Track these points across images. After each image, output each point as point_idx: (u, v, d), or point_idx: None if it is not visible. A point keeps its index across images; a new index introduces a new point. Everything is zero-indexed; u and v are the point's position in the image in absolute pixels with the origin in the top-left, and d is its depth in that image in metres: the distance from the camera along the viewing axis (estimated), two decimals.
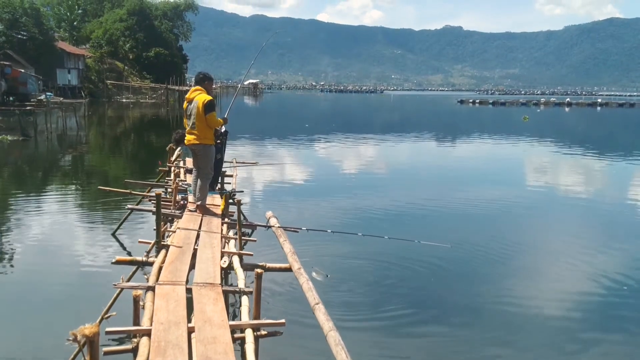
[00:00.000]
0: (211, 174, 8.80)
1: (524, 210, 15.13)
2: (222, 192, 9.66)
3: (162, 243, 6.62)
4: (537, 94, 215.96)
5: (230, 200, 8.76)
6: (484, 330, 7.47)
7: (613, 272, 9.77)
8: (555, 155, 29.39)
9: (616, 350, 7.11)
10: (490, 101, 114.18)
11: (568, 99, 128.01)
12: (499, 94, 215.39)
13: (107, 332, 4.32)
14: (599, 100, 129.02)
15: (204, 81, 8.67)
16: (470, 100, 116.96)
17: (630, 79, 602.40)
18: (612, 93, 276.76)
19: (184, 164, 12.16)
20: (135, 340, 4.40)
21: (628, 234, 12.67)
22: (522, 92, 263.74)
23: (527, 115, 63.21)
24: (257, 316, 5.04)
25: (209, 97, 8.46)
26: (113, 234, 11.07)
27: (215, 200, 9.10)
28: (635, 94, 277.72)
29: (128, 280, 6.25)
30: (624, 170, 24.06)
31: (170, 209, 8.48)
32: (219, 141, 9.03)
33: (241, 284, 5.66)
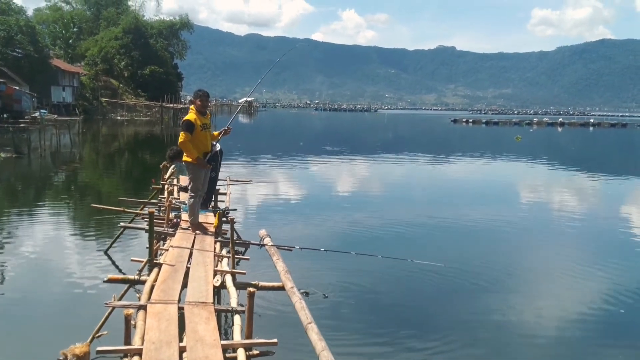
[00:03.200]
0: (198, 191, 8.67)
1: (517, 229, 15.15)
2: (215, 210, 9.64)
3: (155, 261, 6.59)
4: (530, 114, 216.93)
5: (224, 218, 8.74)
6: (479, 349, 7.44)
7: (607, 291, 9.78)
8: (548, 175, 29.51)
9: None
10: (484, 121, 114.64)
11: (561, 119, 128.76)
12: (492, 114, 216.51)
13: (98, 352, 4.29)
14: (592, 120, 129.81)
15: (195, 99, 8.70)
16: (464, 120, 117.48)
17: (622, 99, 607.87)
18: (605, 113, 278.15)
19: (178, 181, 12.15)
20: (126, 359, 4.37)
21: (621, 253, 12.67)
22: (515, 112, 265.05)
23: (520, 135, 63.42)
24: (249, 335, 5.00)
25: (187, 117, 8.49)
26: (105, 252, 11.00)
27: (208, 219, 9.07)
28: (627, 114, 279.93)
29: (120, 299, 6.22)
30: (617, 190, 24.17)
31: (163, 227, 8.45)
32: (209, 162, 8.92)
33: (234, 303, 5.64)
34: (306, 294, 8.55)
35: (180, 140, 8.40)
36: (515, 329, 8.15)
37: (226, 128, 9.33)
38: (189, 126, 8.36)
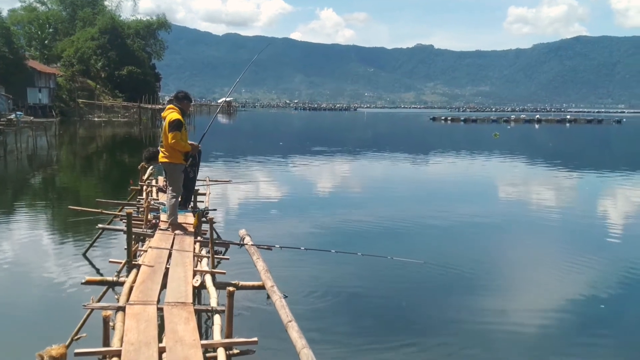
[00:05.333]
0: (180, 192, 8.68)
1: (496, 226, 15.30)
2: (194, 210, 9.60)
3: (133, 262, 6.54)
4: (508, 111, 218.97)
5: (203, 219, 8.70)
6: (458, 345, 7.50)
7: (585, 285, 9.92)
8: (526, 172, 29.81)
9: None
10: (462, 118, 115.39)
11: (538, 116, 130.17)
12: (471, 111, 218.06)
13: (77, 354, 4.25)
14: (568, 116, 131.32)
15: (182, 100, 8.67)
16: (442, 118, 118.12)
17: (597, 95, 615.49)
18: (581, 110, 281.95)
19: (156, 182, 12.07)
20: None
21: (600, 248, 12.84)
22: (493, 109, 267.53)
23: (497, 132, 64.03)
24: (229, 335, 4.99)
25: (176, 116, 8.41)
26: (84, 254, 10.91)
27: (187, 219, 9.02)
28: (603, 110, 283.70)
29: (99, 301, 6.16)
30: (594, 186, 24.46)
31: (142, 228, 8.40)
32: (188, 161, 8.91)
33: (213, 303, 5.62)
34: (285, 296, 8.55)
35: (172, 141, 8.30)
36: (495, 324, 8.22)
37: (195, 145, 9.13)
38: (179, 126, 8.37)
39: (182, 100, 8.70)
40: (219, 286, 6.24)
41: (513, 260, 12.01)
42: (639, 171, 31.03)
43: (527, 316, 8.59)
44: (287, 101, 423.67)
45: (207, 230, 8.26)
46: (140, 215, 9.34)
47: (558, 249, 13.02)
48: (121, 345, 4.40)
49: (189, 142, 8.80)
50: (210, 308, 5.51)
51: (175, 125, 8.34)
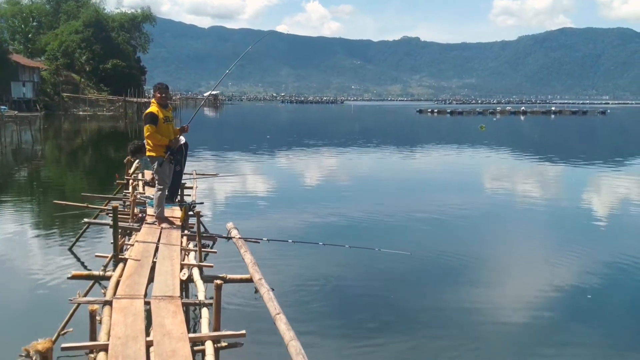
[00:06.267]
0: (165, 185, 8.63)
1: (483, 217, 15.38)
2: (181, 204, 9.56)
3: (120, 257, 6.51)
4: (494, 103, 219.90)
5: (190, 212, 8.67)
6: (445, 337, 7.53)
7: (574, 277, 10.01)
8: (512, 164, 30.00)
9: (578, 354, 7.25)
10: (448, 110, 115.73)
11: (523, 108, 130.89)
12: (457, 104, 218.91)
13: (63, 349, 4.23)
14: (553, 108, 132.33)
15: (154, 92, 8.71)
16: (429, 110, 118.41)
17: (582, 87, 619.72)
18: (566, 101, 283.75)
19: (143, 176, 12.00)
20: (92, 355, 4.32)
21: (586, 239, 12.96)
22: (479, 102, 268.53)
23: (484, 124, 64.24)
24: (217, 328, 4.98)
25: (150, 110, 8.46)
26: (70, 249, 10.84)
27: (174, 213, 8.98)
28: (587, 101, 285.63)
29: (85, 295, 6.12)
30: (579, 177, 24.66)
31: (128, 222, 8.35)
32: (173, 155, 8.85)
33: (201, 296, 5.61)
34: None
35: (146, 133, 8.35)
36: (483, 316, 8.27)
37: (184, 126, 9.21)
38: (153, 118, 8.32)
39: (155, 92, 8.73)
40: (206, 279, 6.22)
41: (500, 251, 12.08)
42: (624, 162, 31.34)
43: (515, 307, 8.64)
44: (274, 94, 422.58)
45: (194, 224, 8.24)
46: (126, 209, 9.29)
47: (545, 240, 13.13)
48: (108, 340, 4.38)
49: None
50: (197, 301, 5.50)
51: (148, 118, 8.37)
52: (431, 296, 9.03)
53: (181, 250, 7.04)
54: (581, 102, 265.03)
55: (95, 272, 6.22)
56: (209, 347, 4.55)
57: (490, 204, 17.37)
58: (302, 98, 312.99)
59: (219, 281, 5.03)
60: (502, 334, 7.71)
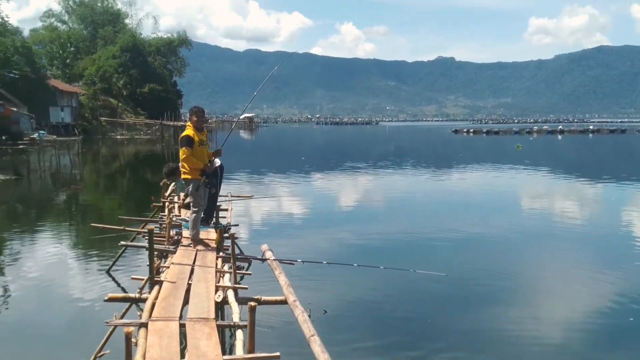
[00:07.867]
0: (200, 207, 8.71)
1: (519, 238, 15.11)
2: (217, 226, 9.62)
3: (156, 279, 6.56)
4: (530, 122, 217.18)
5: (225, 234, 8.72)
6: (482, 359, 7.38)
7: (614, 299, 9.72)
8: (549, 183, 29.46)
9: None
10: (484, 130, 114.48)
11: (560, 127, 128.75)
12: (493, 123, 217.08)
13: None
14: (591, 127, 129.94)
15: (190, 116, 8.82)
16: (465, 130, 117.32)
17: (620, 105, 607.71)
18: (604, 120, 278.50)
19: (179, 198, 12.13)
20: None
21: (626, 260, 12.60)
22: (515, 121, 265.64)
23: (520, 143, 63.36)
24: (251, 350, 4.97)
25: (185, 133, 8.58)
26: (107, 271, 10.99)
27: (210, 235, 9.06)
28: (626, 120, 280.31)
29: (121, 318, 6.18)
30: (618, 196, 24.08)
31: (164, 244, 8.44)
32: (208, 179, 8.92)
33: (236, 318, 5.61)
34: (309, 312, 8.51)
35: (182, 156, 8.47)
36: (520, 338, 8.09)
37: (218, 149, 9.31)
38: (189, 141, 8.44)
39: (191, 116, 8.84)
40: (241, 301, 6.22)
41: (537, 273, 11.83)
42: None
43: (553, 330, 8.43)
44: (309, 116, 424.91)
45: (229, 246, 8.27)
46: (162, 232, 9.39)
47: (584, 261, 12.79)
48: None
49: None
50: (232, 323, 5.50)
51: (184, 141, 8.49)
52: (468, 318, 8.87)
53: (216, 272, 7.07)
54: (619, 120, 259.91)
55: (132, 295, 6.29)
56: None
57: (527, 224, 17.06)
58: (337, 119, 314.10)
59: (253, 303, 5.03)
60: (541, 356, 7.51)
